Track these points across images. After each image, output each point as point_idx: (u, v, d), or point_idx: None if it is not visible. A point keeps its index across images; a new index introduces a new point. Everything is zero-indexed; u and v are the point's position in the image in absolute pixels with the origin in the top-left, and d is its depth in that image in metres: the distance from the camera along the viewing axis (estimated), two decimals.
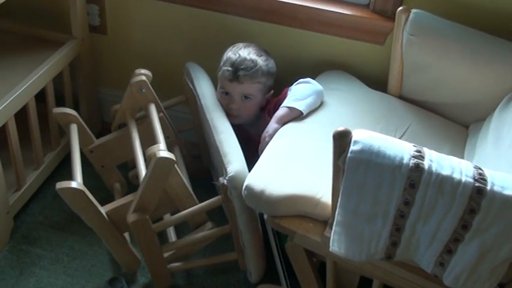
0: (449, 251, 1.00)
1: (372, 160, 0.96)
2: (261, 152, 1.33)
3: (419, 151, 0.97)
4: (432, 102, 1.55)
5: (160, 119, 1.54)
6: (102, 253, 1.61)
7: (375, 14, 1.59)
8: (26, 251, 1.59)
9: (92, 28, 1.85)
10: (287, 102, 1.46)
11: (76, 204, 1.36)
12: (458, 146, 1.46)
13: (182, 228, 1.60)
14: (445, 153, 0.99)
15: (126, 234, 1.53)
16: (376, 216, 1.02)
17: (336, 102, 1.51)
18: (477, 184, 0.93)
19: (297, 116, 1.44)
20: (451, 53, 1.45)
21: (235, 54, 1.54)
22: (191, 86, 1.63)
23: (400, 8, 1.47)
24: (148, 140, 1.44)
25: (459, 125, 1.54)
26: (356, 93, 1.57)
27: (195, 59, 1.71)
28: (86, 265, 1.57)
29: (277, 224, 1.20)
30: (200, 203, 1.44)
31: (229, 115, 1.53)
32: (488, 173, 0.95)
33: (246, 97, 1.55)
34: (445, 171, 0.94)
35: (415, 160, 0.95)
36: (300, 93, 1.47)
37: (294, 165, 1.27)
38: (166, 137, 1.53)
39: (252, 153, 1.39)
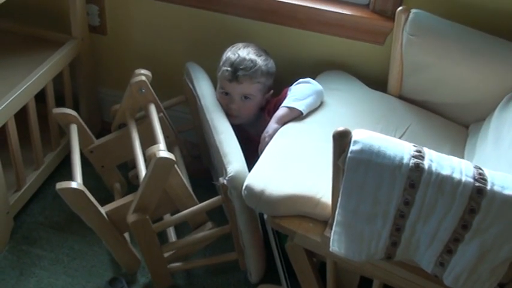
0: (449, 251, 1.00)
1: (372, 160, 0.96)
2: (261, 152, 1.33)
3: (419, 151, 0.97)
4: (432, 102, 1.55)
5: (160, 119, 1.54)
6: (102, 253, 1.61)
7: (374, 14, 1.59)
8: (26, 251, 1.59)
9: (91, 28, 1.85)
10: (287, 102, 1.46)
11: (76, 204, 1.36)
12: (459, 146, 1.46)
13: (182, 228, 1.60)
14: (445, 153, 0.99)
15: (126, 235, 1.53)
16: (376, 216, 1.02)
17: (336, 102, 1.51)
18: (477, 184, 0.93)
19: (296, 116, 1.44)
20: (451, 52, 1.45)
21: (234, 54, 1.54)
22: (191, 86, 1.63)
23: (400, 8, 1.47)
24: (148, 140, 1.44)
25: (459, 125, 1.54)
26: (356, 93, 1.57)
27: (195, 59, 1.71)
28: (86, 265, 1.57)
29: (277, 224, 1.20)
30: (200, 203, 1.44)
31: (229, 115, 1.53)
32: (488, 173, 0.95)
33: (245, 97, 1.55)
34: (445, 171, 0.94)
35: (415, 160, 0.95)
36: (300, 93, 1.47)
37: (294, 165, 1.27)
38: (166, 137, 1.53)
39: (252, 154, 1.39)
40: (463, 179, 0.94)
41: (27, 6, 1.88)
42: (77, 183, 1.34)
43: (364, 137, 0.97)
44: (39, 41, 1.73)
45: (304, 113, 1.44)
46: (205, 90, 1.58)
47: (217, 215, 1.56)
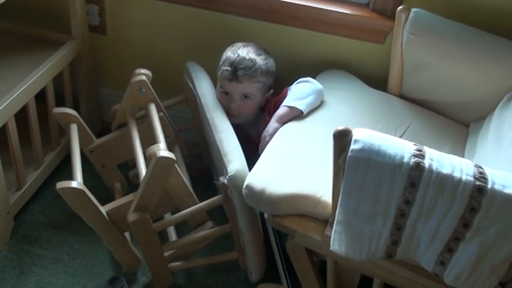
0: (449, 249, 1.00)
1: (372, 159, 0.96)
2: (262, 152, 1.33)
3: (419, 150, 0.97)
4: (432, 101, 1.55)
5: (161, 119, 1.54)
6: (103, 252, 1.61)
7: (374, 13, 1.59)
8: (26, 250, 1.59)
9: (91, 28, 1.85)
10: (287, 102, 1.46)
11: (76, 203, 1.36)
12: (459, 145, 1.46)
13: (182, 228, 1.60)
14: (445, 152, 0.99)
15: (127, 234, 1.53)
16: (377, 215, 1.02)
17: (336, 102, 1.51)
18: (478, 183, 0.93)
19: (297, 115, 1.44)
20: (451, 51, 1.45)
21: (234, 54, 1.54)
22: (191, 86, 1.63)
23: (400, 7, 1.47)
24: (149, 140, 1.44)
25: (459, 124, 1.54)
26: (356, 92, 1.57)
27: (195, 58, 1.71)
28: (86, 264, 1.57)
29: (278, 223, 1.20)
30: (200, 202, 1.44)
31: (229, 114, 1.53)
32: (488, 172, 0.95)
33: (245, 96, 1.55)
34: (446, 170, 0.94)
35: (416, 159, 0.95)
36: (300, 92, 1.47)
37: (294, 164, 1.27)
38: (166, 137, 1.53)
39: (252, 153, 1.39)
40: (464, 177, 0.94)
41: (27, 6, 1.88)
42: (77, 182, 1.34)
43: (364, 136, 0.97)
44: (39, 41, 1.73)
45: (305, 112, 1.44)
46: (205, 89, 1.58)
47: (217, 214, 1.56)
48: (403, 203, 0.98)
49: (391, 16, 1.55)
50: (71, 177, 1.38)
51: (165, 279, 1.50)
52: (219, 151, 1.38)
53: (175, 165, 1.35)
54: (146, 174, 1.34)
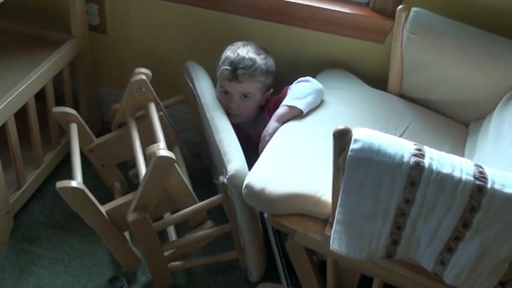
0: (449, 249, 1.00)
1: (372, 158, 0.96)
2: (261, 151, 1.33)
3: (419, 149, 0.97)
4: (432, 101, 1.55)
5: (160, 118, 1.54)
6: (103, 252, 1.61)
7: (374, 12, 1.59)
8: (26, 250, 1.59)
9: (91, 27, 1.85)
10: (287, 101, 1.46)
11: (76, 203, 1.36)
12: (459, 145, 1.46)
13: (182, 227, 1.60)
14: (445, 152, 0.99)
15: (127, 233, 1.53)
16: (377, 214, 1.01)
17: (336, 101, 1.50)
18: (477, 182, 0.93)
19: (297, 114, 1.44)
20: (451, 51, 1.45)
21: (234, 53, 1.53)
22: (191, 85, 1.63)
23: (400, 6, 1.47)
24: (148, 139, 1.44)
25: (459, 124, 1.54)
26: (356, 91, 1.57)
27: (195, 58, 1.71)
28: (86, 264, 1.57)
29: (278, 223, 1.20)
30: (200, 201, 1.44)
31: (229, 114, 1.53)
32: (488, 171, 0.95)
33: (245, 96, 1.55)
34: (446, 169, 0.94)
35: (416, 158, 0.95)
36: (300, 91, 1.47)
37: (294, 163, 1.27)
38: (166, 136, 1.53)
39: (252, 153, 1.39)
40: (464, 177, 0.94)
41: (27, 5, 1.88)
42: (77, 182, 1.34)
43: (364, 135, 0.97)
44: (39, 41, 1.73)
45: (305, 111, 1.44)
46: (205, 89, 1.58)
47: (217, 213, 1.56)
48: (403, 202, 0.98)
49: (391, 15, 1.55)
50: (70, 176, 1.38)
51: (165, 278, 1.50)
52: (218, 151, 1.38)
53: (175, 164, 1.35)
54: (146, 173, 1.34)
